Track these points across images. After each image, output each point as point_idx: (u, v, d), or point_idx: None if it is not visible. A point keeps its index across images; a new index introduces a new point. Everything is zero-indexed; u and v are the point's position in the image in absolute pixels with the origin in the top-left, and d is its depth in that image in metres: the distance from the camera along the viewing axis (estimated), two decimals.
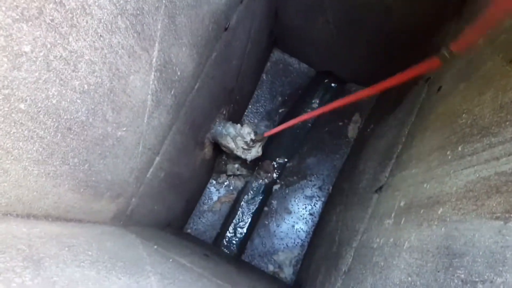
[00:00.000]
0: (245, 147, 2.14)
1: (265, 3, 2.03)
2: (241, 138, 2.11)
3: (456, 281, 0.73)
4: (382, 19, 2.01)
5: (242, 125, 2.15)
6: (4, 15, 0.56)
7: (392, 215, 1.19)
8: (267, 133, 2.20)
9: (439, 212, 0.91)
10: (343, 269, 1.41)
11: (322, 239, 2.13)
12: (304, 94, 2.82)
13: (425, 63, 1.17)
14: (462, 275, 0.72)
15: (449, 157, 1.00)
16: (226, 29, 1.48)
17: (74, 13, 0.69)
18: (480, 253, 0.70)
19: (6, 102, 0.64)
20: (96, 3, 0.73)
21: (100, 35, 0.79)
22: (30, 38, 0.62)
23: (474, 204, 0.79)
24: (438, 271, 0.80)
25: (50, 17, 0.64)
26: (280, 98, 2.85)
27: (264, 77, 2.86)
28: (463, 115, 1.05)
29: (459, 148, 0.97)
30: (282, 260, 2.55)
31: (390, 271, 1.03)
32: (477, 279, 0.68)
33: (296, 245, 2.59)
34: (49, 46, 0.67)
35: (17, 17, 0.58)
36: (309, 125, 2.79)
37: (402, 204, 1.16)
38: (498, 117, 0.87)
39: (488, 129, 0.88)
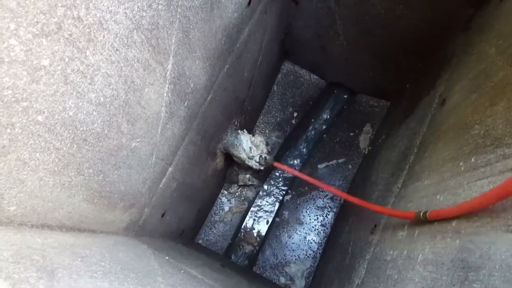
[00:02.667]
0: (258, 163, 2.16)
1: (276, 17, 2.05)
2: (255, 148, 2.12)
3: None
4: (391, 30, 2.02)
5: (254, 135, 2.16)
6: (25, 31, 0.58)
7: (406, 227, 1.18)
8: (278, 164, 2.21)
9: (453, 224, 0.90)
10: (356, 282, 1.40)
11: (335, 251, 2.12)
12: (315, 105, 2.83)
13: (401, 213, 1.22)
14: None
15: (462, 168, 1.00)
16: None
17: (92, 28, 0.71)
18: (497, 266, 0.69)
19: (24, 114, 0.66)
20: (113, 18, 0.75)
21: (116, 49, 0.81)
22: (49, 52, 0.64)
23: (489, 216, 0.78)
24: (454, 285, 0.79)
25: (69, 32, 0.66)
26: (291, 109, 2.86)
27: (275, 88, 2.88)
28: (476, 125, 1.04)
29: (472, 159, 0.96)
30: (294, 272, 2.53)
31: (404, 285, 1.01)
32: None
33: (308, 256, 2.57)
34: (67, 60, 0.68)
35: (37, 32, 0.60)
36: (324, 135, 2.78)
37: None
38: (511, 128, 0.86)
39: (501, 140, 0.87)
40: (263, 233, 2.57)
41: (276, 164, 2.18)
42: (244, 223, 2.58)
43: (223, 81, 1.57)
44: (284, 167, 2.20)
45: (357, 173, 2.65)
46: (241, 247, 2.52)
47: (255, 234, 2.57)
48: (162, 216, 1.58)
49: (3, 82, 0.59)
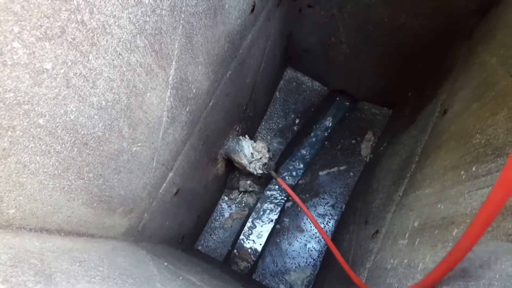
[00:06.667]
0: (260, 170, 2.15)
1: (279, 24, 2.06)
2: (257, 154, 2.11)
3: None
4: (394, 38, 2.02)
5: (255, 141, 2.16)
6: (29, 34, 0.58)
7: (406, 235, 1.18)
8: (281, 181, 2.18)
9: (454, 233, 0.90)
10: None
11: (335, 259, 2.10)
12: (317, 112, 2.83)
13: None
14: None
15: (463, 177, 0.99)
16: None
17: (95, 32, 0.71)
18: (497, 276, 0.68)
19: (25, 117, 0.66)
20: (117, 23, 0.76)
21: (119, 54, 0.81)
22: (52, 56, 0.64)
23: (490, 225, 0.78)
24: None
25: (72, 36, 0.66)
26: (293, 116, 2.86)
27: (277, 94, 2.88)
28: (477, 135, 1.04)
29: (473, 168, 0.96)
30: (294, 280, 2.51)
31: None
32: None
33: (309, 264, 2.55)
34: (69, 63, 0.69)
35: (41, 36, 0.60)
36: (325, 142, 2.78)
37: (416, 224, 1.15)
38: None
39: (502, 149, 0.87)
40: (263, 241, 2.56)
41: (279, 180, 2.17)
42: (243, 231, 2.57)
43: (225, 87, 1.58)
44: (285, 186, 2.16)
45: (358, 181, 2.64)
46: (236, 264, 2.50)
47: (249, 250, 2.54)
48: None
49: (5, 85, 0.59)
